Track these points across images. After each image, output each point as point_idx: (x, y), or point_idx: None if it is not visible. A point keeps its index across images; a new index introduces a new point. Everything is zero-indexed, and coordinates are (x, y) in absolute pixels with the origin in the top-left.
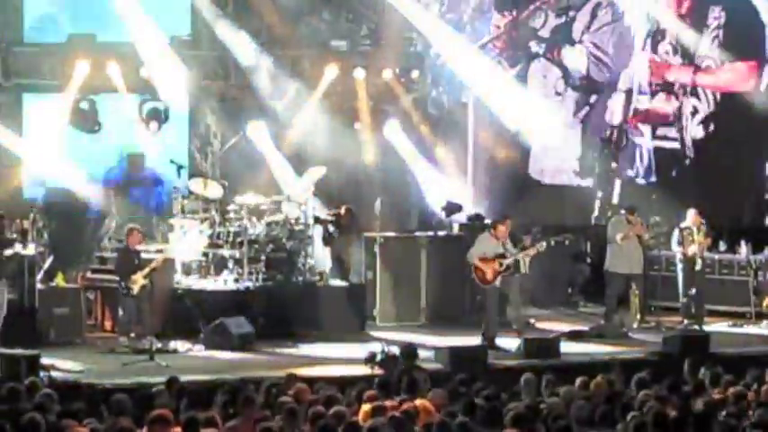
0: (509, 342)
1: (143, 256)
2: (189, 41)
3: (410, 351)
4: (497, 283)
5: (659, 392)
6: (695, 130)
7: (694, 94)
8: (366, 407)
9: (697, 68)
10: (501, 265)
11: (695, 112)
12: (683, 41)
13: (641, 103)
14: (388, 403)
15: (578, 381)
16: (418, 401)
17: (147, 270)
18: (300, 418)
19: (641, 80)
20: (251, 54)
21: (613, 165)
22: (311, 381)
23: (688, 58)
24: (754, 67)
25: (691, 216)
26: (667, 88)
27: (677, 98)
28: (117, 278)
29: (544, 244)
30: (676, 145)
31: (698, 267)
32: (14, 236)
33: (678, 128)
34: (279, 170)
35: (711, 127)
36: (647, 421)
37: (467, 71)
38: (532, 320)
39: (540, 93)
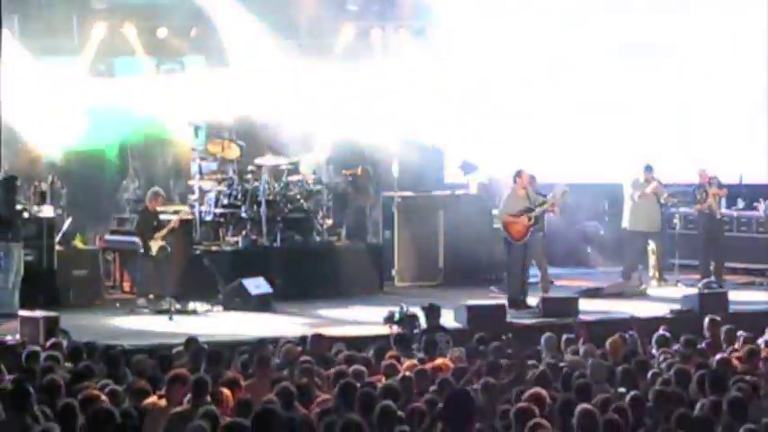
0: (528, 300)
1: (161, 217)
2: None
3: (433, 309)
4: (526, 239)
5: (681, 350)
6: None
7: None
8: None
9: None
10: (530, 219)
11: None
12: None
13: None
14: (407, 363)
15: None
16: (439, 360)
17: (165, 231)
18: (317, 378)
19: None
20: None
21: None
22: (330, 340)
23: None
24: None
25: (700, 175)
26: None
27: None
28: (136, 239)
29: (566, 189)
30: None
31: (718, 216)
32: (29, 199)
33: None
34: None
35: None
36: (670, 379)
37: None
38: (551, 279)
39: None
